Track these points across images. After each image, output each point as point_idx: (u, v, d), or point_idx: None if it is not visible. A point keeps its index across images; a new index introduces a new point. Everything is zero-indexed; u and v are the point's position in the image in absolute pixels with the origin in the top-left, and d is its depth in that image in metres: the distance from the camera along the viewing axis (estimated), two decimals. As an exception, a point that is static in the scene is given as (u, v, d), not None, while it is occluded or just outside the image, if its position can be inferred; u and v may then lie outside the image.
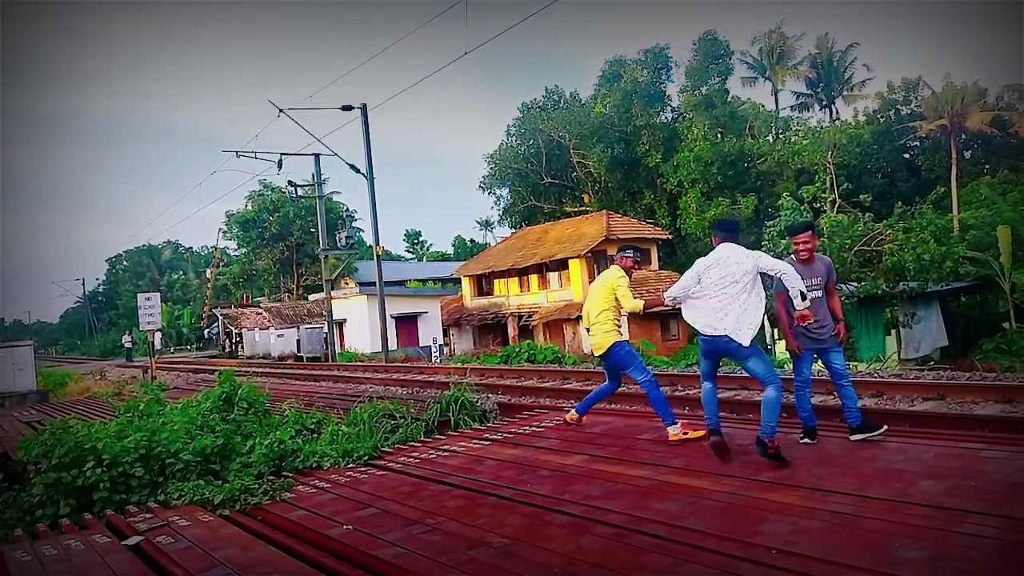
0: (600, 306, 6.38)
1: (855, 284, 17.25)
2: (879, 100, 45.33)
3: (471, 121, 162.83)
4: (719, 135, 41.56)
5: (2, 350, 21.92)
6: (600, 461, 5.56)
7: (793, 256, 5.60)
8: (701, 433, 5.77)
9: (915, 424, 7.13)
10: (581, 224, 34.15)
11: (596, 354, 6.51)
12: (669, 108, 45.19)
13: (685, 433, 5.93)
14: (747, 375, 5.88)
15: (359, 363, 26.07)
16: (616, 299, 6.36)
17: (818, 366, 7.03)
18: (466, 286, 37.75)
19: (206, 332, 52.45)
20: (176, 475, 5.96)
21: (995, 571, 3.04)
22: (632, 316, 27.51)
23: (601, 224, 31.84)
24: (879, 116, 44.38)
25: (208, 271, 63.43)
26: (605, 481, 4.95)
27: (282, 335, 39.29)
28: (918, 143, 44.35)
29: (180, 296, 72.56)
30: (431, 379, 15.42)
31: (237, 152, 26.87)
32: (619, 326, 6.49)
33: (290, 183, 30.81)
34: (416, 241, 78.35)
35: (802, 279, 5.27)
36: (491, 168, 48.75)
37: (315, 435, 7.37)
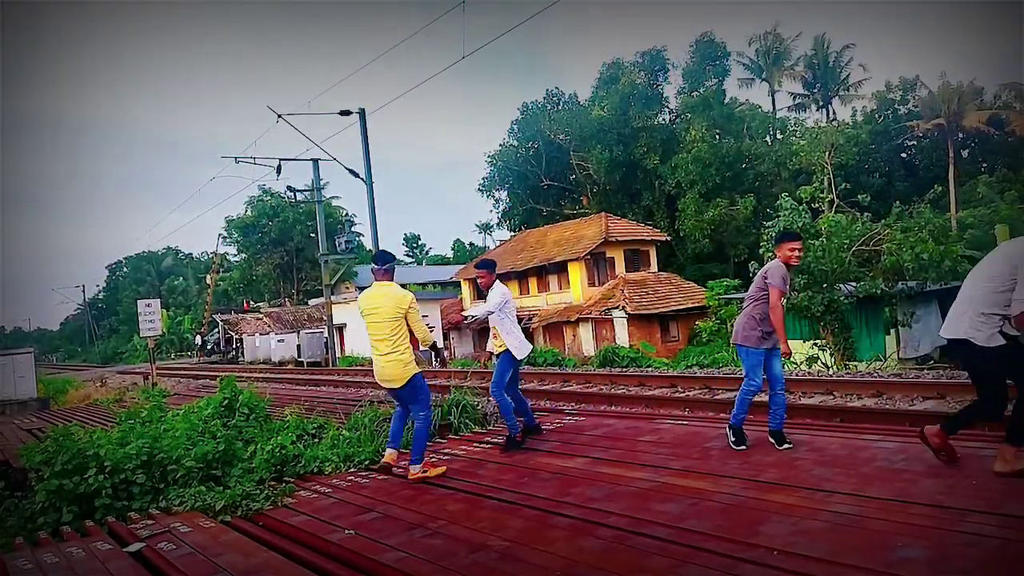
0: (396, 331, 5.59)
1: (854, 284, 17.23)
2: (876, 100, 45.43)
3: (470, 124, 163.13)
4: (716, 136, 41.63)
5: (3, 358, 21.94)
6: (601, 463, 5.56)
7: (778, 261, 5.53)
8: (442, 469, 5.74)
9: (915, 423, 7.13)
10: (580, 227, 34.19)
11: (392, 387, 5.71)
12: (667, 110, 45.31)
13: (425, 471, 5.62)
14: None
15: (360, 367, 26.07)
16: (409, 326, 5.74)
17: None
18: (466, 289, 37.77)
19: (198, 338, 52.35)
20: (178, 481, 5.96)
21: (996, 570, 3.04)
22: (631, 318, 27.50)
23: (600, 226, 31.88)
24: (876, 116, 44.47)
25: (208, 277, 63.48)
26: (606, 483, 4.95)
27: (283, 340, 39.35)
28: (915, 142, 44.45)
29: (181, 302, 72.60)
30: (432, 383, 15.39)
31: (236, 158, 26.93)
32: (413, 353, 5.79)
33: (289, 188, 30.94)
34: (415, 245, 78.45)
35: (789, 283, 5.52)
36: (491, 169, 48.80)
37: (316, 440, 7.37)
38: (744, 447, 5.46)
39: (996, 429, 6.67)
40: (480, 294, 37.04)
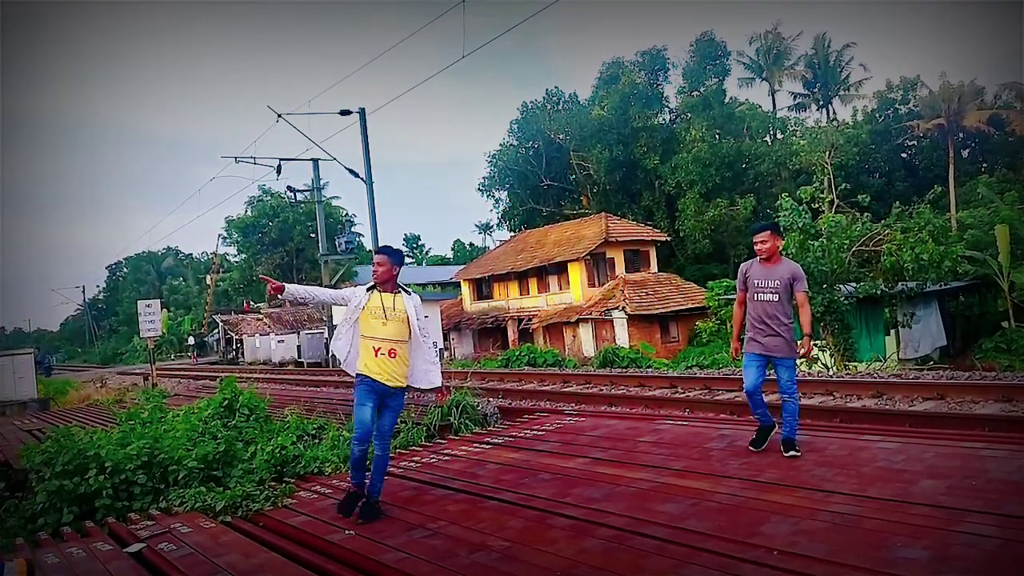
0: None
1: (854, 284, 17.24)
2: (877, 99, 45.44)
3: (470, 124, 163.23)
4: (716, 136, 41.63)
5: (3, 358, 21.93)
6: (601, 464, 5.57)
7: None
8: None
9: (915, 424, 7.15)
10: (580, 227, 34.18)
11: None
12: (667, 110, 45.31)
13: None
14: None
15: (359, 368, 26.01)
16: None
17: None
18: (465, 290, 37.77)
19: (190, 339, 52.40)
20: (178, 482, 5.97)
21: (996, 570, 3.04)
22: (631, 319, 27.50)
23: (600, 226, 31.87)
24: (876, 116, 44.47)
25: (208, 277, 63.47)
26: (606, 484, 4.96)
27: (283, 341, 39.34)
28: (915, 142, 44.43)
29: (181, 302, 72.63)
30: (432, 383, 15.37)
31: (236, 158, 26.87)
32: None
33: (289, 188, 30.90)
34: (415, 245, 78.40)
35: (759, 278, 5.32)
36: (491, 169, 48.82)
37: (316, 441, 7.38)
38: (755, 448, 5.41)
39: (995, 429, 6.68)
40: (481, 294, 37.05)
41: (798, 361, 5.80)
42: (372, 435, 4.75)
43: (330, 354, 30.49)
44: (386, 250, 4.92)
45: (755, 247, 5.42)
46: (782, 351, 5.25)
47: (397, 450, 7.07)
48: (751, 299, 5.40)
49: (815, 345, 16.80)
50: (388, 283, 4.84)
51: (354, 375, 4.85)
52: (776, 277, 5.27)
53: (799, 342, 5.28)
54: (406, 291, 4.92)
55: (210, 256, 71.17)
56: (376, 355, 4.70)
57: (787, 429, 5.32)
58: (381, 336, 4.72)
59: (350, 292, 4.92)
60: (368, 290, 4.83)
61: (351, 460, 4.72)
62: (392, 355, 4.73)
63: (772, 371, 5.41)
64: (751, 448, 5.45)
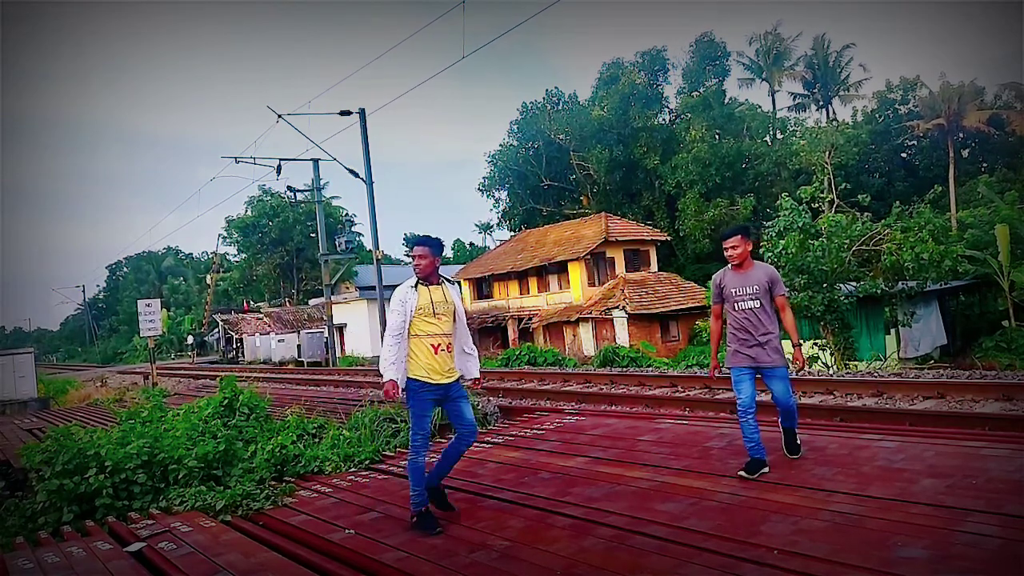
0: None
1: (854, 284, 17.25)
2: (877, 100, 45.43)
3: (470, 124, 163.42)
4: (716, 136, 41.65)
5: (3, 358, 21.94)
6: (601, 463, 5.56)
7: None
8: None
9: (916, 423, 7.14)
10: (580, 226, 34.18)
11: None
12: (667, 110, 45.33)
13: None
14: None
15: (360, 367, 26.08)
16: None
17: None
18: (466, 289, 37.77)
19: (191, 338, 52.46)
20: (178, 481, 5.97)
21: (997, 569, 3.04)
22: (632, 318, 27.52)
23: (600, 226, 31.87)
24: (876, 116, 44.46)
25: (208, 277, 63.52)
26: (606, 483, 4.95)
27: (283, 340, 39.37)
28: (915, 142, 44.42)
29: (181, 302, 72.65)
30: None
31: (236, 158, 26.89)
32: None
33: (289, 188, 30.96)
34: (415, 245, 78.25)
35: (735, 287, 5.04)
36: (491, 169, 48.83)
37: (316, 440, 7.38)
38: (754, 475, 4.73)
39: (996, 428, 6.68)
40: (482, 293, 37.07)
41: (792, 369, 5.54)
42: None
43: (329, 352, 30.53)
44: (426, 241, 4.60)
45: (726, 253, 5.14)
46: (772, 360, 4.96)
47: (397, 449, 7.07)
48: (731, 309, 5.11)
49: (815, 344, 16.89)
50: (432, 276, 4.56)
51: (404, 385, 4.44)
52: (753, 283, 5.01)
53: (791, 354, 5.09)
54: (448, 280, 4.67)
55: (210, 256, 71.25)
56: (436, 352, 4.44)
57: (788, 426, 5.30)
58: (436, 332, 4.47)
59: (399, 304, 4.46)
60: (413, 288, 4.50)
61: (418, 472, 4.39)
62: (449, 349, 4.53)
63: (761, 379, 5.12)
64: (741, 474, 4.79)
